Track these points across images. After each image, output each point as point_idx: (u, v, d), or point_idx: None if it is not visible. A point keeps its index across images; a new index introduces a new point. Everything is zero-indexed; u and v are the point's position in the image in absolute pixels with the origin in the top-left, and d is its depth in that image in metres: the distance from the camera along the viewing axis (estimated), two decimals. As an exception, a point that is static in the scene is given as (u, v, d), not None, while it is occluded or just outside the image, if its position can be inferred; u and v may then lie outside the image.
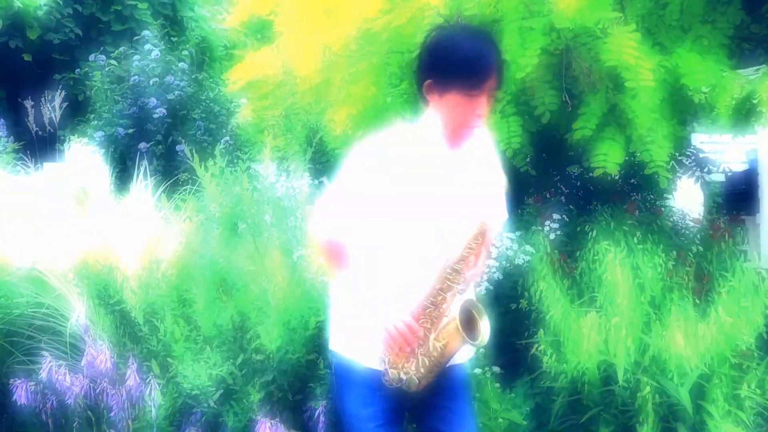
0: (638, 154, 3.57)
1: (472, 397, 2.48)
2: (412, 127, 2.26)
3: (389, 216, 2.17)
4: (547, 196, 4.42)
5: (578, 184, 4.93)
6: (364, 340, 2.25)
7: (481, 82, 2.09)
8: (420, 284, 2.20)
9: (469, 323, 2.20)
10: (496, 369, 3.63)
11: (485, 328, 2.21)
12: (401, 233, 2.19)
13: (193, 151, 3.80)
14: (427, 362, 2.18)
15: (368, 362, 2.25)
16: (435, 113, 2.18)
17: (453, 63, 2.10)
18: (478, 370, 3.48)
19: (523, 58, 3.35)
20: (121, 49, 7.44)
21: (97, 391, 3.18)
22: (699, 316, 3.55)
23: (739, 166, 8.39)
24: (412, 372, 2.19)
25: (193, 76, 7.48)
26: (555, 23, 3.31)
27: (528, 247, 3.91)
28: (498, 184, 2.36)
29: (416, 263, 2.19)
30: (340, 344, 2.33)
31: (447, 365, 2.23)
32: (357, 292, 2.25)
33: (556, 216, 4.08)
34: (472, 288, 2.36)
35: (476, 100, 2.11)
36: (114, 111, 6.96)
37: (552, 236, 4.00)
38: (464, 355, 2.34)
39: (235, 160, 6.87)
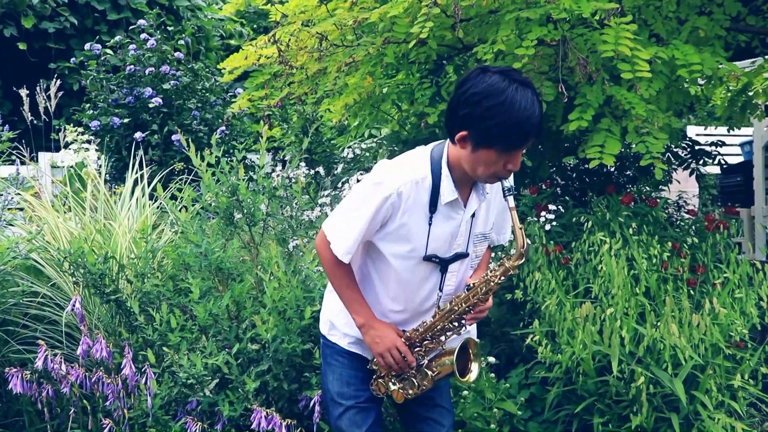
0: (634, 146, 3.58)
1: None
2: (430, 167, 2.18)
3: (387, 243, 2.24)
4: (543, 187, 4.43)
5: (574, 175, 4.94)
6: (346, 329, 2.41)
7: (526, 142, 2.05)
8: (409, 303, 2.32)
9: (463, 358, 2.34)
10: (491, 359, 3.65)
11: (476, 369, 2.36)
12: (396, 261, 2.26)
13: (189, 140, 3.80)
14: (415, 384, 2.34)
15: (351, 347, 2.42)
16: (458, 155, 2.14)
17: (501, 125, 2.00)
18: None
19: (519, 48, 3.35)
20: (117, 38, 7.40)
21: (93, 380, 3.18)
22: (693, 307, 3.57)
23: (734, 159, 8.43)
24: (398, 387, 2.36)
25: (189, 66, 7.44)
26: (552, 14, 3.31)
27: (523, 238, 3.91)
28: (504, 212, 2.32)
29: (409, 288, 2.29)
30: (330, 331, 2.46)
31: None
32: (351, 308, 2.35)
33: (551, 207, 4.09)
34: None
35: (513, 156, 2.06)
36: (109, 100, 6.93)
37: (547, 227, 4.00)
38: None
39: (231, 150, 6.88)
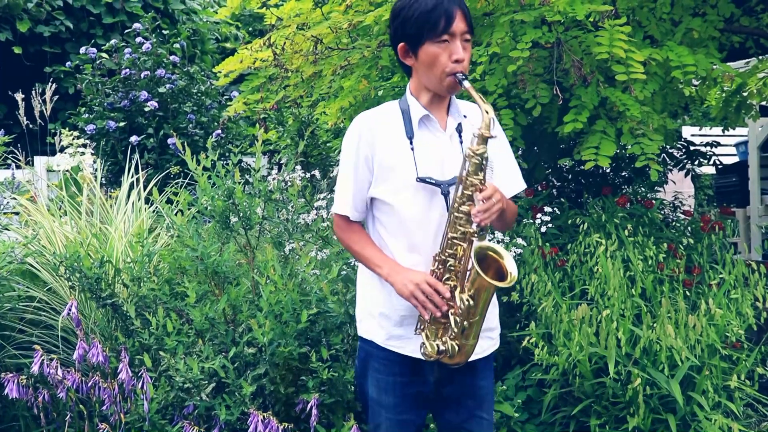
0: (629, 147, 3.59)
1: (492, 393, 2.36)
2: (397, 103, 2.24)
3: (380, 184, 2.18)
4: (539, 188, 4.44)
5: (569, 176, 4.95)
6: (380, 320, 2.23)
7: (449, 25, 2.07)
8: (425, 246, 2.16)
9: (492, 264, 2.09)
10: (488, 361, 3.64)
11: (511, 265, 2.07)
12: (394, 197, 2.18)
13: (185, 144, 3.80)
14: (460, 322, 2.06)
15: (389, 343, 2.22)
16: (417, 79, 2.19)
17: (417, 15, 2.10)
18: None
19: (514, 51, 3.36)
20: (112, 42, 7.40)
21: (89, 384, 3.18)
22: (689, 308, 3.58)
23: (730, 159, 8.44)
24: (449, 338, 2.09)
25: (184, 69, 7.45)
26: (546, 16, 3.32)
27: (519, 240, 3.93)
28: (493, 151, 2.17)
29: (417, 224, 2.15)
30: (363, 327, 2.30)
31: (479, 334, 2.12)
32: (372, 264, 2.21)
33: (547, 209, 4.09)
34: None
35: (450, 46, 2.09)
36: (105, 104, 6.93)
37: (543, 229, 4.01)
38: (486, 349, 2.25)
39: (227, 153, 6.86)
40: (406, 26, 2.13)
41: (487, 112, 2.04)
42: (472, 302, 2.04)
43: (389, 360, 2.22)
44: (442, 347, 2.09)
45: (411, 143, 2.15)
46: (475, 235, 2.07)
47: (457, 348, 2.08)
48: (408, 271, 2.13)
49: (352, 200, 2.22)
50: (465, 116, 2.20)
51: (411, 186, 2.14)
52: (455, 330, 2.07)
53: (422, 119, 2.18)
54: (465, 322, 2.06)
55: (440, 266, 2.11)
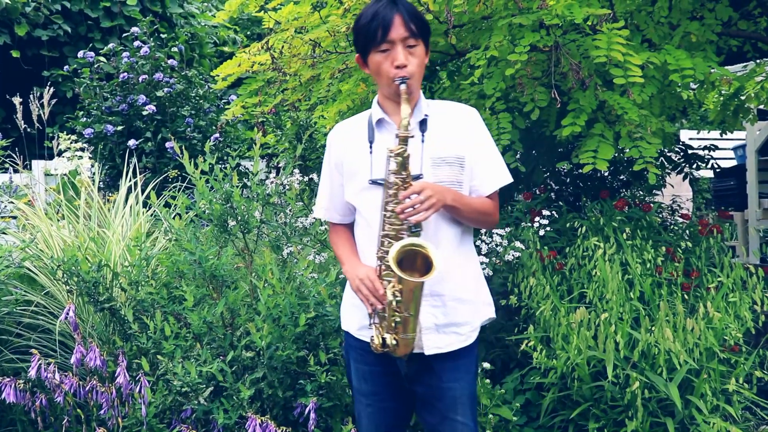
0: (627, 151, 3.59)
1: (467, 391, 2.31)
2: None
3: (348, 188, 2.30)
4: (537, 192, 4.44)
5: (568, 180, 4.96)
6: (353, 311, 2.34)
7: (385, 33, 2.15)
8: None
9: (419, 261, 2.12)
10: (486, 365, 3.65)
11: (437, 259, 2.08)
12: (356, 199, 2.29)
13: (183, 148, 3.79)
14: (396, 318, 2.13)
15: (358, 333, 2.32)
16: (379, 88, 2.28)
17: (360, 27, 2.21)
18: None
19: (512, 54, 3.36)
20: (110, 45, 7.40)
21: (87, 388, 3.17)
22: (688, 312, 3.58)
23: (728, 162, 8.45)
24: (390, 333, 2.15)
25: (182, 73, 7.45)
26: (544, 20, 3.32)
27: (518, 244, 3.93)
28: (468, 147, 2.26)
29: (376, 223, 2.22)
30: (342, 319, 2.41)
31: (416, 327, 2.17)
32: (340, 261, 2.36)
33: (545, 212, 4.09)
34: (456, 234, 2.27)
35: (391, 54, 2.16)
36: (103, 108, 6.93)
37: (542, 232, 4.01)
38: (450, 344, 2.25)
39: (225, 157, 6.88)
40: (357, 38, 2.25)
41: (405, 117, 2.11)
42: (400, 297, 2.10)
43: (363, 349, 2.29)
44: (386, 341, 2.16)
45: (370, 147, 2.25)
46: (405, 233, 2.14)
47: (395, 342, 2.16)
48: (359, 266, 2.24)
49: (326, 204, 2.40)
50: (426, 115, 2.26)
51: (366, 187, 2.24)
52: (391, 325, 2.14)
53: (379, 123, 2.27)
54: (398, 317, 2.13)
55: (379, 263, 2.19)
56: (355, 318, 2.33)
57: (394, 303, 2.10)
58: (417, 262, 2.12)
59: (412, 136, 2.12)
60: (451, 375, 2.27)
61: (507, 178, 2.33)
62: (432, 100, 2.35)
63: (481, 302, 2.34)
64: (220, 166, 3.55)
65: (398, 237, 2.13)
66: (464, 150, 2.24)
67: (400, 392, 2.34)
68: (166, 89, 6.96)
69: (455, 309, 2.24)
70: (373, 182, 2.20)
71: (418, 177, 2.18)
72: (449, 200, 2.15)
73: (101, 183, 6.37)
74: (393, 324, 2.13)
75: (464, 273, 2.28)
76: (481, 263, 3.88)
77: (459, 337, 2.26)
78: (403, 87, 2.13)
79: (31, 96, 6.27)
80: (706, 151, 5.54)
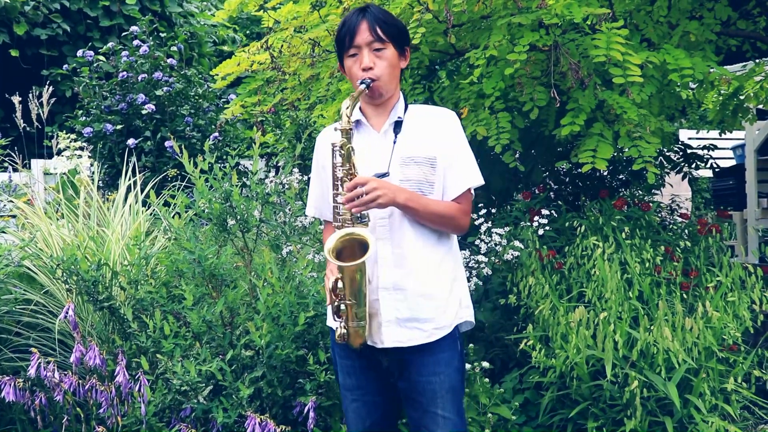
0: (626, 150, 3.59)
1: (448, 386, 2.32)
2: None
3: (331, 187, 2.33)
4: (536, 191, 4.44)
5: (567, 179, 4.96)
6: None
7: (351, 40, 2.26)
8: None
9: (358, 249, 2.19)
10: (485, 364, 3.65)
11: (372, 245, 2.15)
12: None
13: (182, 147, 3.79)
14: (343, 307, 2.21)
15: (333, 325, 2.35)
16: None
17: (336, 38, 2.34)
18: (467, 366, 3.48)
19: (511, 54, 3.36)
20: (110, 44, 7.39)
21: (86, 387, 3.17)
22: (686, 311, 3.58)
23: (727, 162, 8.46)
24: (344, 324, 2.22)
25: (181, 72, 7.44)
26: (543, 19, 3.32)
27: (517, 243, 3.93)
28: (440, 148, 2.30)
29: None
30: (329, 317, 2.42)
31: (368, 313, 2.23)
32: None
33: (544, 212, 4.09)
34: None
35: (358, 58, 2.27)
36: (102, 107, 6.92)
37: (541, 232, 4.01)
38: (411, 339, 2.26)
39: (224, 156, 6.88)
40: (336, 48, 2.37)
41: (346, 109, 2.18)
42: (342, 285, 2.18)
43: (346, 345, 2.31)
44: (342, 331, 2.23)
45: None
46: (349, 223, 2.21)
47: (345, 330, 2.22)
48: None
49: (314, 203, 2.50)
50: (400, 117, 2.32)
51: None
52: (347, 317, 2.22)
53: (357, 124, 2.35)
54: (343, 305, 2.20)
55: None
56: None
57: (338, 292, 2.19)
58: (358, 251, 2.18)
59: (350, 128, 2.19)
60: (430, 369, 2.29)
61: (476, 180, 2.36)
62: (416, 105, 2.42)
63: (454, 302, 2.34)
64: (219, 165, 3.56)
65: (344, 227, 2.21)
66: (436, 151, 2.30)
67: (386, 387, 2.37)
68: (165, 88, 6.96)
69: (419, 304, 2.27)
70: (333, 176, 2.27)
71: (384, 175, 2.24)
72: (401, 199, 2.20)
73: (100, 182, 6.37)
74: (341, 312, 2.21)
75: (438, 271, 2.31)
76: (480, 262, 3.89)
77: (422, 333, 2.28)
78: (362, 87, 2.22)
79: (31, 95, 6.27)
80: (705, 151, 5.55)
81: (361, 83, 2.22)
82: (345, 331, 2.22)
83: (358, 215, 2.19)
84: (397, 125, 2.31)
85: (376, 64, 2.25)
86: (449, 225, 2.34)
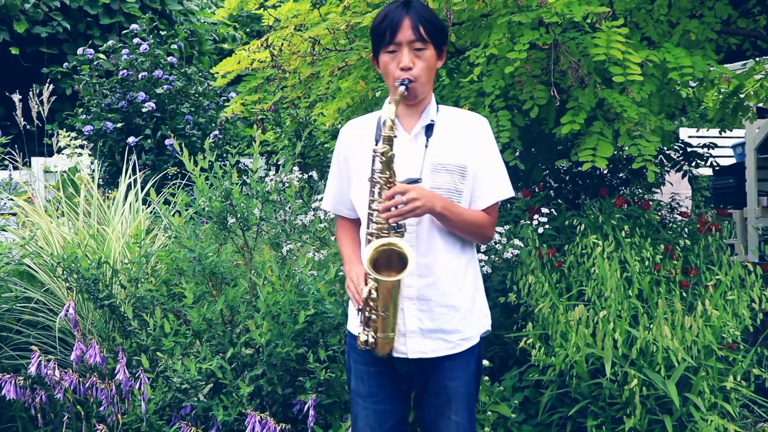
0: (626, 149, 3.59)
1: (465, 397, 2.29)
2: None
3: (352, 185, 2.32)
4: (536, 190, 4.44)
5: (567, 178, 4.96)
6: (356, 311, 2.28)
7: (392, 36, 2.17)
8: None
9: (396, 261, 2.12)
10: (485, 362, 3.65)
11: (411, 259, 2.08)
12: (356, 197, 2.31)
13: (183, 145, 3.80)
14: (372, 316, 2.14)
15: (358, 332, 2.28)
16: None
17: (373, 29, 2.24)
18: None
19: (511, 52, 3.36)
20: (110, 42, 7.39)
21: (87, 385, 3.18)
22: (686, 310, 3.58)
23: (727, 161, 8.46)
24: (371, 332, 2.16)
25: (182, 70, 7.45)
26: (543, 18, 3.32)
27: (516, 241, 3.93)
28: (471, 157, 2.25)
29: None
30: (349, 319, 2.40)
31: (396, 324, 2.17)
32: (342, 260, 2.37)
33: (544, 210, 4.10)
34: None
35: (397, 56, 2.18)
36: (102, 105, 6.93)
37: (540, 230, 4.01)
38: (435, 350, 2.23)
39: (225, 154, 6.88)
40: (371, 37, 2.27)
41: (390, 115, 2.11)
42: (375, 295, 2.11)
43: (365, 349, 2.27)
44: (367, 338, 2.16)
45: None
46: (387, 232, 2.14)
47: (373, 340, 2.16)
48: (355, 266, 2.27)
49: (332, 197, 2.42)
50: (433, 120, 2.25)
51: (366, 187, 2.22)
52: (375, 326, 2.15)
53: (384, 123, 2.22)
54: (374, 315, 2.14)
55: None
56: (357, 318, 2.30)
57: (370, 302, 2.12)
58: (394, 261, 2.12)
59: (395, 136, 2.11)
60: (448, 374, 2.26)
61: (507, 193, 2.32)
62: (446, 106, 2.35)
63: (478, 312, 2.32)
64: (219, 163, 3.56)
65: (380, 236, 2.13)
66: (467, 159, 2.24)
67: (397, 396, 2.33)
68: (165, 86, 6.96)
69: (444, 315, 2.23)
70: (370, 181, 2.20)
71: (416, 181, 2.18)
72: (438, 207, 2.14)
73: (101, 180, 6.37)
74: (370, 322, 2.15)
75: (462, 281, 2.27)
76: (480, 261, 3.89)
77: (446, 344, 2.24)
78: (401, 89, 2.14)
79: (31, 93, 6.27)
80: (705, 149, 5.55)
81: (400, 84, 2.15)
82: (373, 340, 2.16)
83: (395, 224, 2.13)
84: (429, 128, 2.25)
85: (416, 64, 2.18)
86: (478, 235, 2.31)
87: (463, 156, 2.24)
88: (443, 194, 2.20)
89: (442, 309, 2.23)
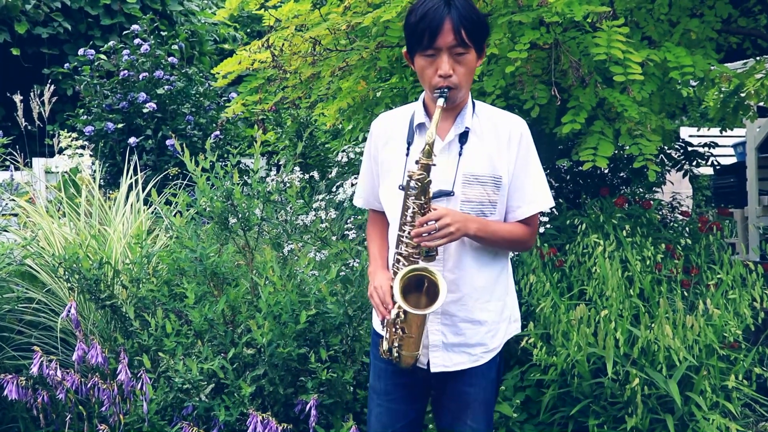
0: (627, 148, 3.59)
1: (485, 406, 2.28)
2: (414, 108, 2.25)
3: (381, 183, 2.25)
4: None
5: (568, 177, 4.96)
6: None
7: (433, 39, 2.01)
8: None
9: (427, 288, 2.08)
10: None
11: (442, 292, 2.02)
12: (385, 198, 2.24)
13: (183, 145, 3.80)
14: (401, 333, 2.10)
15: (379, 329, 2.27)
16: None
17: (408, 26, 2.07)
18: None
19: (512, 52, 3.37)
20: (111, 43, 7.41)
21: (88, 385, 3.18)
22: (687, 309, 3.58)
23: (727, 160, 8.46)
24: (395, 344, 2.12)
25: (182, 71, 7.45)
26: (544, 17, 3.32)
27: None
28: (507, 166, 2.16)
29: (397, 229, 2.14)
30: (374, 316, 2.34)
31: (423, 346, 2.14)
32: (369, 260, 2.32)
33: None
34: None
35: (436, 61, 2.03)
36: (103, 106, 6.94)
37: (542, 229, 4.01)
38: (458, 363, 2.21)
39: (226, 155, 6.89)
40: (405, 33, 2.11)
41: (430, 138, 2.00)
42: (404, 317, 2.07)
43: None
44: (392, 349, 2.14)
45: (408, 149, 2.16)
46: (418, 257, 2.08)
47: (397, 355, 2.14)
48: (379, 272, 2.21)
49: (363, 192, 2.35)
50: (468, 128, 2.14)
51: (395, 191, 2.14)
52: (399, 342, 2.11)
53: (418, 126, 2.17)
54: (400, 335, 2.10)
55: (391, 285, 2.13)
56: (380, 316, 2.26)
57: (398, 320, 2.08)
58: (425, 286, 2.08)
59: (434, 164, 2.02)
60: (467, 380, 2.23)
61: (546, 203, 2.23)
62: (483, 104, 2.24)
63: (504, 323, 2.27)
64: (220, 163, 3.56)
65: (410, 259, 2.07)
66: (503, 169, 2.14)
67: (412, 397, 2.30)
68: (166, 87, 6.97)
69: (468, 330, 2.18)
70: (402, 189, 2.10)
71: (449, 194, 2.10)
72: (472, 231, 2.07)
73: (102, 180, 6.38)
74: (395, 339, 2.11)
75: (491, 295, 2.21)
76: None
77: (470, 357, 2.20)
78: (441, 101, 2.02)
79: (32, 94, 6.28)
80: (706, 149, 5.55)
81: (440, 96, 2.02)
82: (397, 355, 2.13)
83: (426, 249, 2.06)
84: (463, 136, 2.13)
85: (456, 70, 2.03)
86: (517, 248, 2.27)
87: (499, 166, 2.14)
88: (474, 208, 2.12)
89: (467, 324, 2.18)
